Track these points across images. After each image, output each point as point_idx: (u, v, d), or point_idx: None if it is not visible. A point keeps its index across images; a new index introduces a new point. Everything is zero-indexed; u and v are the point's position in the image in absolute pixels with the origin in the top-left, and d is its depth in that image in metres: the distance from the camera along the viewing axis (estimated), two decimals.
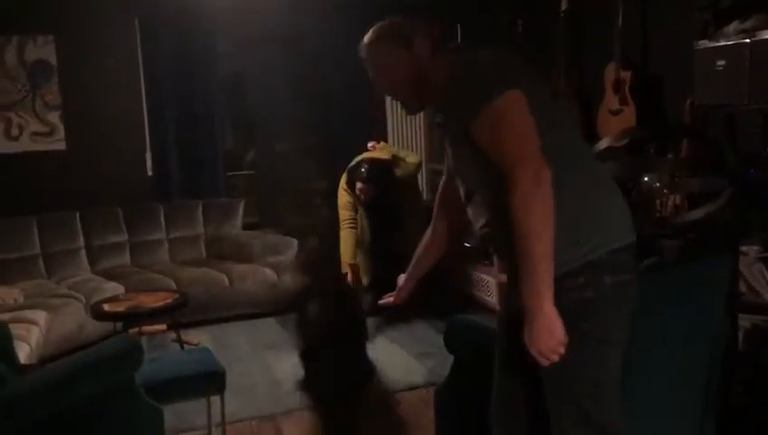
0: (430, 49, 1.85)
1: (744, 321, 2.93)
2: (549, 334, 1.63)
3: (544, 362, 1.67)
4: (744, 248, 2.95)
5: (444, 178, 2.15)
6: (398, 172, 4.93)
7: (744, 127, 3.31)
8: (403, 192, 4.99)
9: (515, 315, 1.81)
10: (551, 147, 1.65)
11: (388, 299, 2.34)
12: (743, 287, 2.95)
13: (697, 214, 3.00)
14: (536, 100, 1.70)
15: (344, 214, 4.94)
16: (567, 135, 1.81)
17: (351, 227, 4.92)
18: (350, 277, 4.75)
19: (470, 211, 1.92)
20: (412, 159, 5.05)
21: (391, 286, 2.37)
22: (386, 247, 4.81)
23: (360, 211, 4.95)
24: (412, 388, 3.69)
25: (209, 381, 2.86)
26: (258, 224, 6.19)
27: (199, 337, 4.60)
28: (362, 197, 4.82)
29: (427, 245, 2.26)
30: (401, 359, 4.12)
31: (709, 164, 3.22)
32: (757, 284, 2.93)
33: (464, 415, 2.54)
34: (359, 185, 4.80)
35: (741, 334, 2.93)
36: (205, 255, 5.63)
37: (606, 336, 1.72)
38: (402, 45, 1.84)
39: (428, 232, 2.25)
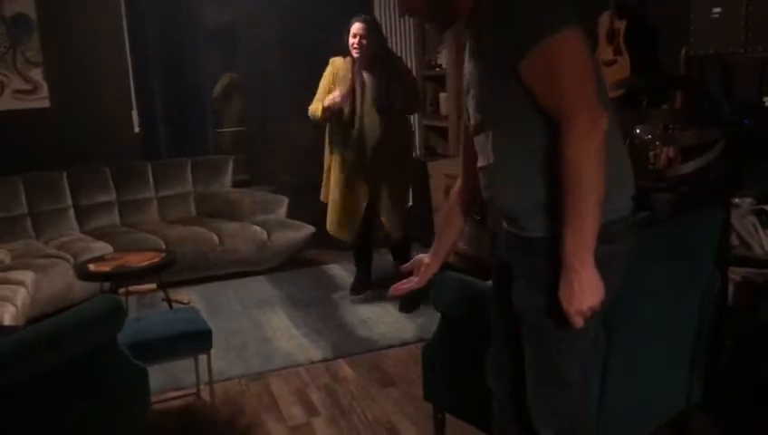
0: None
1: (735, 274, 2.90)
2: (593, 293, 1.54)
3: (579, 322, 1.56)
4: (736, 200, 2.91)
5: (462, 122, 1.93)
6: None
7: (740, 76, 3.23)
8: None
9: (502, 269, 1.80)
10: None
11: (403, 285, 2.02)
12: (734, 240, 2.91)
13: (690, 167, 2.95)
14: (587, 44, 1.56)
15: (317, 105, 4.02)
16: (603, 88, 1.65)
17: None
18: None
19: (477, 143, 1.77)
20: None
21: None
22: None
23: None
24: (403, 344, 3.68)
25: (195, 340, 2.83)
26: (248, 181, 6.13)
27: (189, 296, 4.57)
28: (357, 45, 3.85)
29: (451, 206, 2.01)
30: (392, 316, 4.10)
31: (703, 115, 3.15)
32: (749, 236, 2.89)
33: (449, 370, 2.53)
34: (355, 26, 3.85)
35: (731, 288, 2.91)
36: (194, 213, 5.58)
37: None
38: None
39: (454, 192, 2.02)
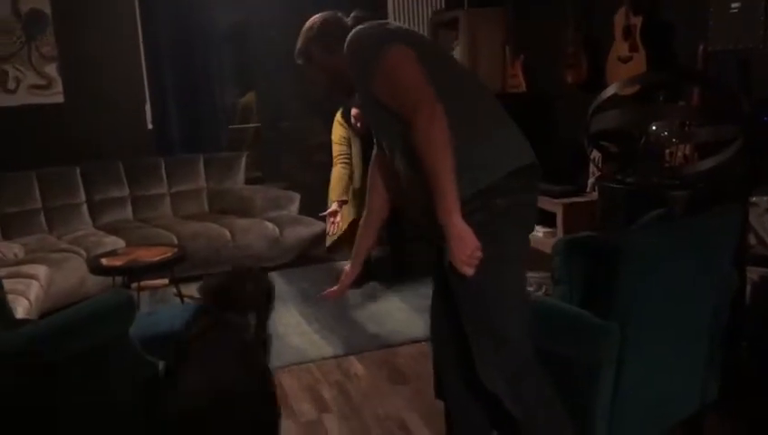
0: (331, 48, 2.06)
1: (753, 274, 2.86)
2: (463, 243, 1.80)
3: (469, 272, 1.82)
4: (754, 199, 2.87)
5: (374, 151, 2.27)
6: None
7: (758, 72, 3.18)
8: None
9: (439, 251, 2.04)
10: (440, 89, 1.81)
11: (329, 291, 2.32)
12: (752, 239, 2.87)
13: (707, 164, 2.91)
14: (423, 53, 1.87)
15: (337, 149, 4.51)
16: (455, 79, 1.97)
17: (344, 163, 4.48)
18: (334, 220, 4.40)
19: (396, 164, 2.07)
20: None
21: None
22: None
23: (355, 146, 4.45)
24: (413, 341, 3.66)
25: None
26: (261, 178, 6.13)
27: None
28: (358, 124, 4.32)
29: (365, 224, 2.33)
30: (403, 313, 4.08)
31: (721, 112, 3.11)
32: (767, 235, 2.84)
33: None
34: (354, 110, 4.30)
35: (749, 287, 2.86)
36: (207, 209, 5.59)
37: (501, 254, 1.86)
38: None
39: (365, 212, 2.33)
